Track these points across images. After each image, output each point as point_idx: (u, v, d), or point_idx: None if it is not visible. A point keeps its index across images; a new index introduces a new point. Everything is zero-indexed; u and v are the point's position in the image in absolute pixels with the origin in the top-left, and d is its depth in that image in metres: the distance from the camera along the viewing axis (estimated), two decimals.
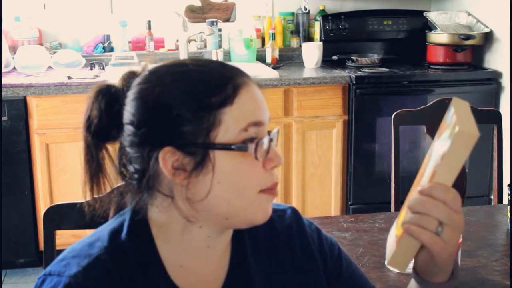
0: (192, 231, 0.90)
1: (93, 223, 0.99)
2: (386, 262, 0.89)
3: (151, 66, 0.91)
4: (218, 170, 0.85)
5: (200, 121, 0.84)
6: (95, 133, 0.89)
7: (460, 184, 2.23)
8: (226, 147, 0.84)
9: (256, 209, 0.88)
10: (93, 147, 0.90)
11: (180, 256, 0.92)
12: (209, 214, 0.88)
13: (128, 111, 0.87)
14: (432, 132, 2.23)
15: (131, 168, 0.89)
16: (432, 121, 2.22)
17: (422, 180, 0.88)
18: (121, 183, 0.93)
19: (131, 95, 0.88)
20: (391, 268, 1.40)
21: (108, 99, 0.89)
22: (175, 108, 0.84)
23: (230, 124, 0.84)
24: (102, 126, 0.89)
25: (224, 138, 0.84)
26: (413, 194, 0.86)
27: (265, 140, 0.87)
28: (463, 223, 0.86)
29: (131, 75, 0.91)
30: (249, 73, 0.91)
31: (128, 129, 0.87)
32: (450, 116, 0.87)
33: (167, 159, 0.85)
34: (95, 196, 0.93)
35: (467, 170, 2.28)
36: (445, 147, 0.82)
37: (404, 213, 0.87)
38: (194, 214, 0.88)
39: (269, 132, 0.90)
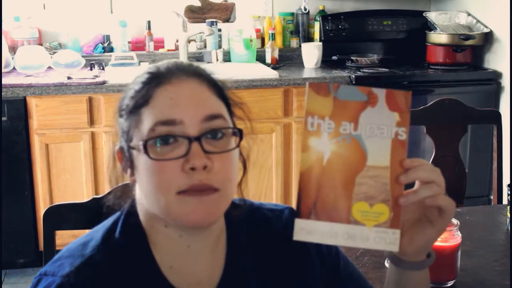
0: (162, 232, 0.91)
1: (93, 223, 0.99)
2: (397, 249, 0.85)
3: None
4: (139, 170, 0.88)
5: (127, 123, 0.89)
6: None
7: (460, 184, 2.23)
8: (131, 146, 0.88)
9: (179, 211, 0.85)
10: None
11: (168, 257, 0.92)
12: (157, 215, 0.90)
13: None
14: (432, 132, 2.23)
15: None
16: (432, 121, 2.22)
17: (378, 156, 0.84)
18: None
19: None
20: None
21: None
22: (118, 113, 0.91)
23: (144, 124, 0.86)
24: None
25: (137, 138, 0.87)
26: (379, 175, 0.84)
27: (172, 139, 0.85)
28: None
29: None
30: (190, 69, 0.90)
31: None
32: (357, 91, 0.84)
33: (120, 158, 0.92)
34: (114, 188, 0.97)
35: (467, 170, 2.28)
36: (394, 117, 0.83)
37: (364, 204, 0.84)
38: (147, 215, 0.92)
39: (217, 130, 0.87)
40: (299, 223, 0.85)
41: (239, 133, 0.89)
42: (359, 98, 0.84)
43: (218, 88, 0.91)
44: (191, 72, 0.90)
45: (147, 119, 0.86)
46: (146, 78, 0.90)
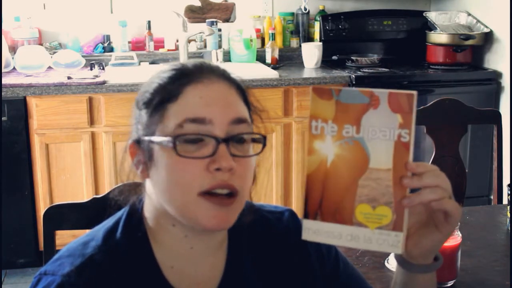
0: (169, 231, 0.91)
1: (93, 223, 0.99)
2: (400, 251, 0.85)
3: None
4: (158, 166, 0.87)
5: (149, 118, 0.88)
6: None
7: (460, 184, 2.23)
8: (154, 141, 0.87)
9: (197, 213, 0.86)
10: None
11: (169, 257, 0.92)
12: (170, 214, 0.89)
13: None
14: (432, 132, 2.23)
15: None
16: (432, 121, 2.22)
17: (381, 159, 0.83)
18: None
19: None
20: (391, 268, 1.40)
21: None
22: (138, 106, 0.90)
23: (169, 120, 0.86)
24: None
25: (161, 133, 0.86)
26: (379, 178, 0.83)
27: (203, 138, 0.85)
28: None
29: None
30: (222, 72, 0.91)
31: None
32: (359, 94, 0.84)
33: (133, 153, 0.90)
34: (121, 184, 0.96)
35: (467, 170, 2.28)
36: (396, 119, 0.82)
37: (367, 206, 0.84)
38: (157, 214, 0.91)
39: (239, 136, 0.87)
40: (306, 223, 0.86)
41: (264, 140, 0.91)
42: (361, 100, 0.84)
43: (243, 93, 0.93)
44: (221, 74, 0.91)
45: (174, 115, 0.86)
46: (174, 74, 0.89)
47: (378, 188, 0.84)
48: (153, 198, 0.90)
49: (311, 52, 3.57)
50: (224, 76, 0.91)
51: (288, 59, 3.78)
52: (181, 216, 0.87)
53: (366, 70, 3.42)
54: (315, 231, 0.86)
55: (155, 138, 0.87)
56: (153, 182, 0.89)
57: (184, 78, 0.88)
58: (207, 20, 3.61)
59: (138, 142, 0.90)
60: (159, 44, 3.69)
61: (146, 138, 0.88)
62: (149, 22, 3.66)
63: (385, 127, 0.83)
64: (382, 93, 0.83)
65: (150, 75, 0.93)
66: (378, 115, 0.83)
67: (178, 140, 0.84)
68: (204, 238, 0.92)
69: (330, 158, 0.85)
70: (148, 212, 0.92)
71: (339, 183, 0.85)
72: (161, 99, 0.87)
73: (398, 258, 0.95)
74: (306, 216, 0.86)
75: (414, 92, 0.82)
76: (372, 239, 0.85)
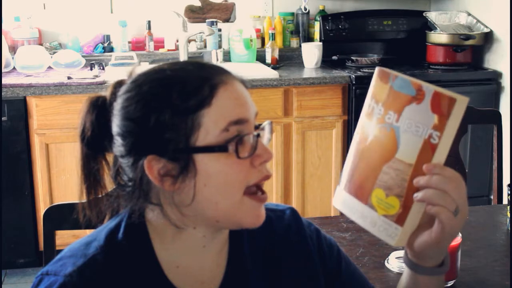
0: (187, 232, 0.90)
1: (93, 224, 0.99)
2: (393, 243, 0.88)
3: (135, 74, 0.90)
4: (202, 173, 0.85)
5: (179, 126, 0.84)
6: (89, 144, 0.90)
7: None
8: (205, 149, 0.84)
9: (244, 212, 0.88)
10: (90, 158, 0.91)
11: (176, 257, 0.92)
12: (200, 218, 0.89)
13: (115, 122, 0.88)
14: None
15: (124, 177, 0.90)
16: None
17: (407, 152, 0.85)
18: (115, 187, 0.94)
19: (117, 106, 0.88)
20: (391, 268, 1.40)
21: (99, 111, 0.90)
22: (154, 116, 0.84)
23: (209, 125, 0.84)
24: (95, 138, 0.90)
25: (204, 140, 0.84)
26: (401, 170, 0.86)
27: (249, 137, 0.86)
28: (467, 213, 0.88)
29: (118, 85, 0.91)
30: (230, 70, 0.90)
31: (117, 139, 0.88)
32: (409, 85, 0.86)
33: (152, 167, 0.85)
34: (91, 199, 0.93)
35: (467, 170, 2.27)
36: (433, 119, 0.83)
37: (382, 192, 0.87)
38: (183, 220, 0.89)
39: (259, 126, 0.90)
40: (337, 190, 0.95)
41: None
42: (408, 92, 0.86)
43: None
44: (231, 73, 0.90)
45: (212, 120, 0.84)
46: (197, 79, 0.86)
47: (396, 179, 0.87)
48: (168, 208, 0.88)
49: (311, 52, 3.57)
50: (231, 73, 0.91)
51: (288, 59, 3.78)
52: (226, 219, 0.88)
53: (366, 70, 3.42)
54: (341, 200, 0.93)
55: (199, 144, 0.84)
56: (184, 191, 0.86)
57: (209, 80, 0.86)
58: (207, 20, 3.61)
59: (162, 154, 0.85)
60: (159, 44, 3.69)
61: (182, 147, 0.84)
62: (149, 22, 3.66)
63: (420, 123, 0.85)
64: (429, 89, 0.84)
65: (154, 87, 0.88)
66: (418, 110, 0.85)
67: (235, 144, 0.84)
68: (217, 236, 0.93)
69: (370, 138, 0.90)
70: (156, 217, 0.91)
71: (369, 163, 0.89)
72: (195, 105, 0.84)
73: (406, 259, 0.96)
74: (339, 184, 0.94)
75: (457, 98, 0.82)
76: (376, 223, 0.89)
